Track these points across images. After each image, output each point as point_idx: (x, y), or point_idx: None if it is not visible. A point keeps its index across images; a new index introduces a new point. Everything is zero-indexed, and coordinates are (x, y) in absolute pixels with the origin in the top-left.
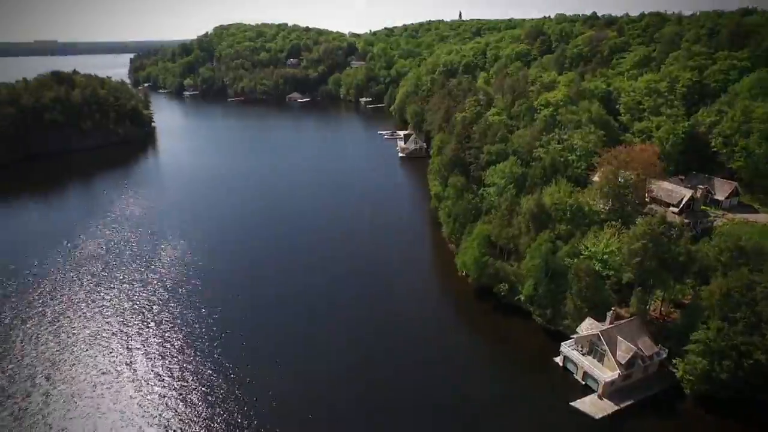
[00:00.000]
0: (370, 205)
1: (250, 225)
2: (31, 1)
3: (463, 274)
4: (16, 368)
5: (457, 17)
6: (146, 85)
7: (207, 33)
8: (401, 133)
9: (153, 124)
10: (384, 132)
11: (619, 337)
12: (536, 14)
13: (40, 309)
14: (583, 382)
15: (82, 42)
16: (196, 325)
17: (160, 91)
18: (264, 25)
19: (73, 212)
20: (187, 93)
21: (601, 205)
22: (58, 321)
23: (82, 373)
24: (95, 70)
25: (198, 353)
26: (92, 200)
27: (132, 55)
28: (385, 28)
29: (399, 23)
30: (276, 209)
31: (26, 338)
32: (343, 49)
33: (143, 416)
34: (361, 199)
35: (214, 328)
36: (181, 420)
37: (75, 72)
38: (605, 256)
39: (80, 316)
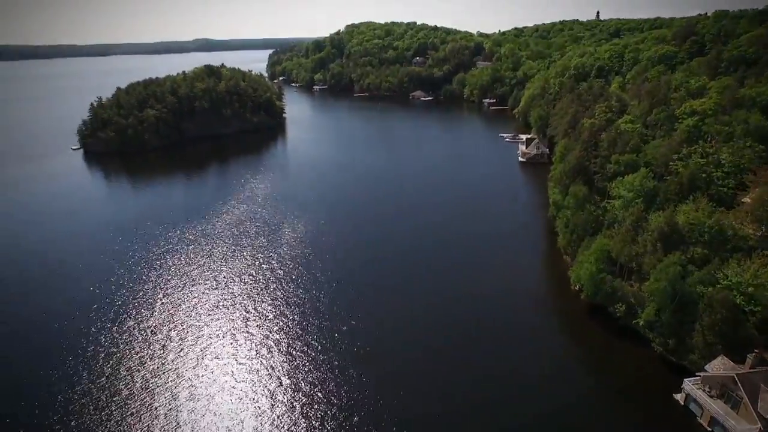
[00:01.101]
0: (485, 207)
1: (364, 216)
2: (191, 6)
3: (576, 288)
4: (152, 324)
5: (593, 17)
6: (281, 78)
7: (339, 31)
8: (523, 136)
9: (284, 114)
10: (505, 135)
11: (763, 386)
12: (690, 12)
13: (178, 273)
14: (710, 429)
15: (235, 39)
16: (310, 301)
17: (293, 85)
18: (393, 23)
19: (211, 189)
20: (316, 87)
21: (750, 231)
22: (192, 285)
23: (203, 336)
24: (240, 64)
25: (314, 332)
26: (228, 179)
27: (271, 51)
28: (515, 29)
29: (530, 23)
30: (390, 203)
31: (165, 297)
32: (470, 49)
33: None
34: (476, 200)
35: (326, 307)
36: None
37: (222, 66)
38: (751, 289)
39: (208, 283)
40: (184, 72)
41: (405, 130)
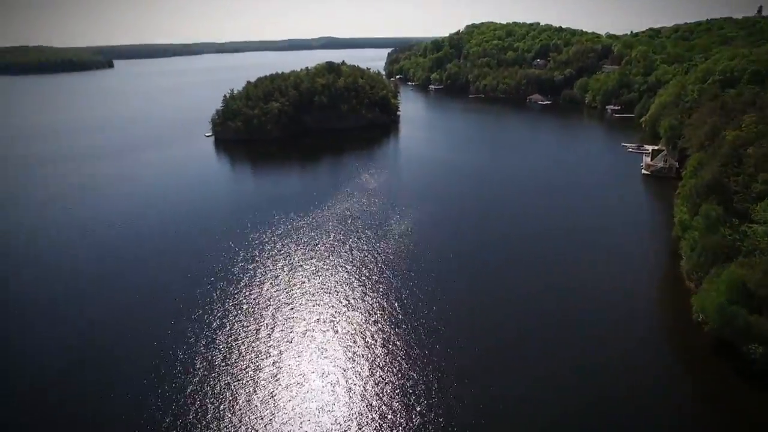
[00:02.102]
0: (598, 220)
1: (469, 217)
2: (316, 6)
3: (699, 319)
4: (254, 302)
5: (753, 13)
6: (398, 77)
7: (459, 31)
8: (649, 147)
9: (398, 112)
10: (628, 144)
11: None
12: None
13: (286, 256)
14: None
15: (357, 38)
16: (410, 295)
17: (409, 83)
18: (515, 24)
19: (324, 180)
20: (432, 87)
21: None
22: (298, 269)
23: (301, 319)
24: (360, 62)
25: (412, 328)
26: (340, 172)
27: (390, 50)
28: (650, 29)
29: (669, 23)
30: (496, 208)
31: (271, 278)
32: (596, 52)
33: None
34: (588, 211)
35: (426, 305)
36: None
37: (343, 63)
38: None
39: (313, 269)
40: (306, 68)
41: (519, 134)
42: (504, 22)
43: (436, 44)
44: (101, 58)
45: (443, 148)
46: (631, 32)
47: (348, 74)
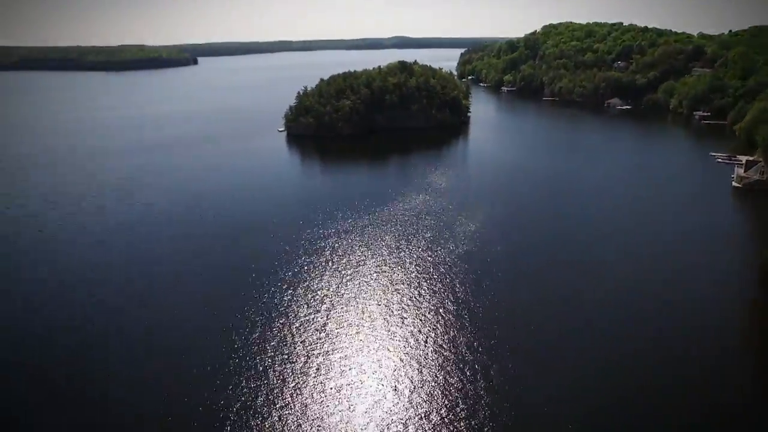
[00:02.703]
0: (682, 236)
1: (537, 225)
2: (390, 6)
3: None
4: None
5: None
6: (470, 78)
7: (535, 31)
8: (742, 158)
9: (469, 114)
10: (717, 154)
11: None
12: None
13: (349, 251)
14: None
15: (430, 38)
16: (472, 299)
17: (481, 84)
18: (595, 24)
19: (391, 178)
20: (504, 89)
21: None
22: (360, 265)
23: (360, 316)
24: (432, 62)
25: (472, 336)
26: (408, 171)
27: (463, 50)
28: (754, 27)
29: None
30: (565, 217)
31: (334, 272)
32: (686, 53)
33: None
34: (671, 226)
35: (488, 311)
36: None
37: (415, 62)
38: None
39: (375, 266)
40: (379, 67)
41: (595, 140)
42: (584, 22)
43: (511, 45)
44: (188, 56)
45: (514, 151)
46: (730, 31)
47: (420, 74)
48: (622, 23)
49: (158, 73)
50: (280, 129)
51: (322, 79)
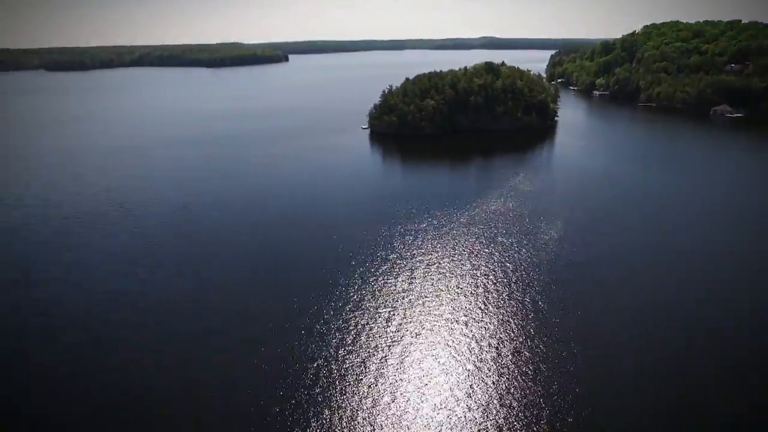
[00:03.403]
0: None
1: (621, 237)
2: (478, 6)
3: None
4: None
5: None
6: (559, 80)
7: (634, 32)
8: None
9: (556, 118)
10: None
11: None
12: None
13: (425, 252)
14: None
15: (519, 38)
16: (550, 310)
17: (571, 88)
18: (706, 23)
19: (472, 180)
20: (596, 93)
21: None
22: (436, 267)
23: (432, 318)
24: (520, 63)
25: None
26: (489, 174)
27: (553, 52)
28: None
29: None
30: (659, 235)
31: (407, 272)
32: None
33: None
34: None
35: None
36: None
37: (502, 64)
38: None
39: (451, 268)
40: (465, 67)
41: (697, 152)
42: (692, 21)
43: (605, 46)
44: (279, 53)
45: (602, 158)
46: None
47: (507, 75)
48: (740, 21)
49: (252, 70)
50: (364, 126)
51: (407, 79)
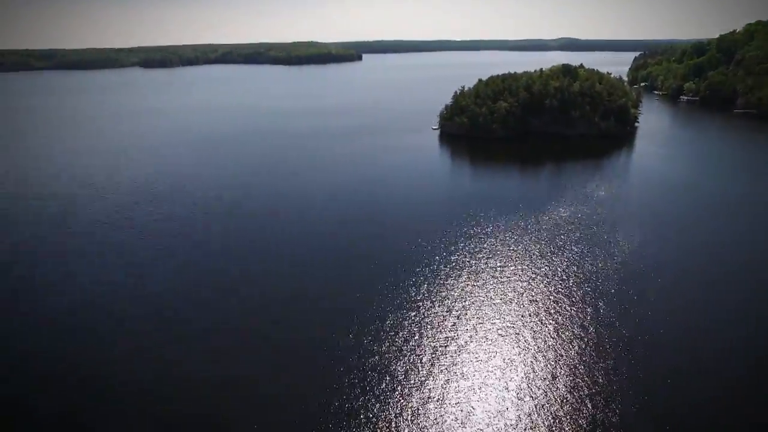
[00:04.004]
0: None
1: (711, 258)
2: (557, 5)
3: None
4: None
5: None
6: (642, 84)
7: (734, 31)
8: None
9: (636, 124)
10: None
11: None
12: None
13: (491, 257)
14: None
15: (601, 40)
16: (612, 320)
17: (655, 92)
18: None
19: (543, 186)
20: (683, 98)
21: None
22: (501, 269)
23: (494, 325)
24: (601, 65)
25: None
26: (561, 180)
27: (637, 54)
28: None
29: None
30: (752, 260)
31: (471, 277)
32: None
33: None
34: None
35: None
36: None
37: (581, 66)
38: None
39: (517, 272)
40: (540, 69)
41: None
42: None
43: (698, 47)
44: (353, 52)
45: (687, 169)
46: None
47: (585, 78)
48: None
49: (327, 68)
50: (434, 127)
51: (480, 80)
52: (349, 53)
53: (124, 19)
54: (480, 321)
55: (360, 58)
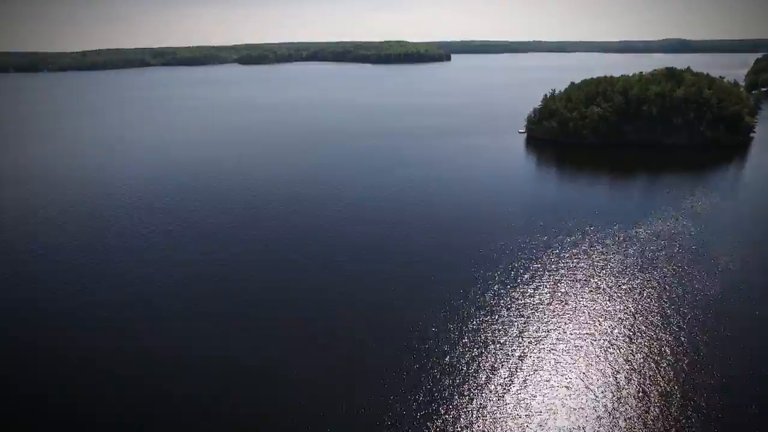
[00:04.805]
0: None
1: None
2: (662, 3)
3: None
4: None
5: None
6: (762, 90)
7: None
8: None
9: (752, 134)
10: None
11: None
12: None
13: (571, 267)
14: None
15: (716, 40)
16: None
17: None
18: None
19: (636, 198)
20: None
21: None
22: (582, 283)
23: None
24: (714, 69)
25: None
26: (656, 193)
27: (759, 55)
28: None
29: None
30: None
31: (554, 289)
32: None
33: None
34: None
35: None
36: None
37: (687, 69)
38: None
39: (599, 291)
40: (640, 73)
41: None
42: None
43: None
44: (442, 52)
45: None
46: None
47: (691, 83)
48: None
49: (415, 68)
50: (521, 131)
51: (572, 83)
52: (438, 53)
53: (224, 19)
54: (558, 334)
55: (449, 58)
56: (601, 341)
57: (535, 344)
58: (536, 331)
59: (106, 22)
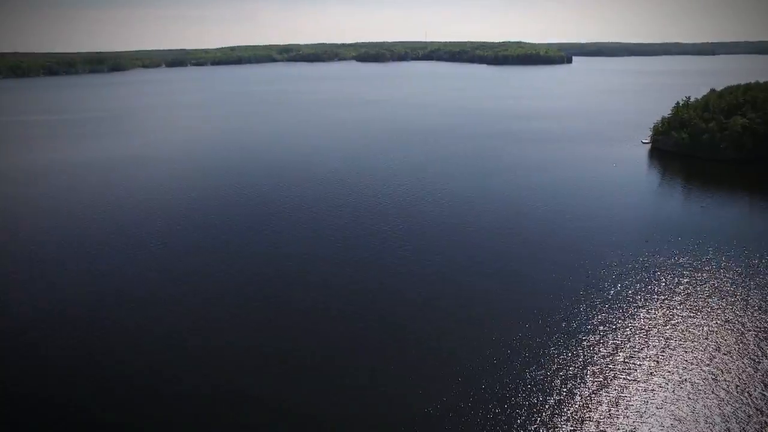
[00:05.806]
0: None
1: None
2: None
3: None
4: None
5: None
6: None
7: None
8: None
9: None
10: None
11: None
12: None
13: (694, 294)
14: None
15: None
16: None
17: None
18: None
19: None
20: None
21: None
22: (699, 314)
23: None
24: None
25: None
26: None
27: None
28: None
29: None
30: None
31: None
32: None
33: None
34: None
35: None
36: None
37: None
38: None
39: (719, 325)
40: None
41: None
42: None
43: None
44: (563, 54)
45: None
46: None
47: None
48: None
49: (534, 69)
50: (645, 140)
51: (712, 90)
52: (558, 55)
53: (344, 17)
54: (667, 380)
55: (569, 60)
56: (726, 383)
57: (644, 383)
58: (645, 364)
59: (243, 22)
